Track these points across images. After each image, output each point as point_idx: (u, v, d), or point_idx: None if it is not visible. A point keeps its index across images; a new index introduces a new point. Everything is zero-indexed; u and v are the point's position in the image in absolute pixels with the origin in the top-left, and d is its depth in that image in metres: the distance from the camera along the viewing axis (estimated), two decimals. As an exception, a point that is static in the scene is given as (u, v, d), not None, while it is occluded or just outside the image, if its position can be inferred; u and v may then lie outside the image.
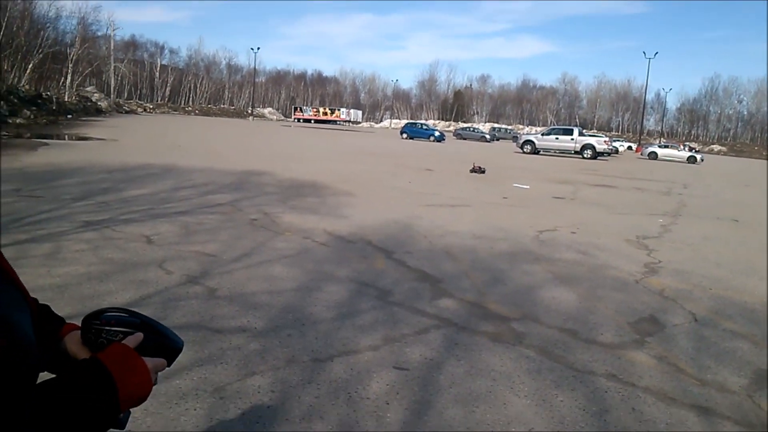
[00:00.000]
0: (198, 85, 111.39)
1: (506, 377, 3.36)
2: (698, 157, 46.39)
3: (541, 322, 4.37)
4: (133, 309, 0.91)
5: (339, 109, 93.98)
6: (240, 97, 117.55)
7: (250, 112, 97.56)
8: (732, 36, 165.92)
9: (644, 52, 75.50)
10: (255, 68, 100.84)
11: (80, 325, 0.89)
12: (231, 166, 14.25)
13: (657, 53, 70.65)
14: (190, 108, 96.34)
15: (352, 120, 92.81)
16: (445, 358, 3.56)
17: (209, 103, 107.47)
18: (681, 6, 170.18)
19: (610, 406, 3.13)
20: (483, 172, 17.85)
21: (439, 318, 4.28)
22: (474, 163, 18.88)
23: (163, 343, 0.89)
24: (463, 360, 3.56)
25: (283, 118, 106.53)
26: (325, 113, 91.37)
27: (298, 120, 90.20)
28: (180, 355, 0.92)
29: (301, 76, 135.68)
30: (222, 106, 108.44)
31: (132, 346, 0.83)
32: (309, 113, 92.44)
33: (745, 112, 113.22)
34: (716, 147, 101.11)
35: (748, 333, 4.53)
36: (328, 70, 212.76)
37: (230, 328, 3.79)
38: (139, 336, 0.85)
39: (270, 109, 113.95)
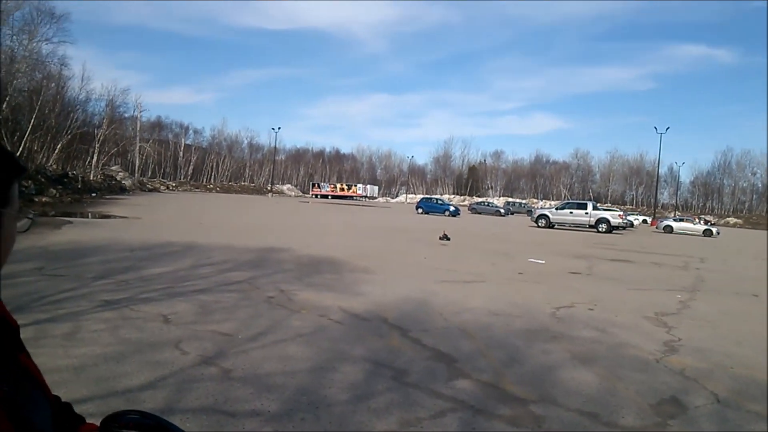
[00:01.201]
0: (220, 164, 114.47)
1: (525, 463, 3.28)
2: (714, 230, 46.06)
3: (560, 405, 4.29)
4: (150, 412, 0.94)
5: (356, 185, 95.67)
6: (260, 174, 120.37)
7: (269, 188, 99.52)
8: (742, 110, 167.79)
9: (656, 128, 76.21)
10: (275, 147, 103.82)
11: (99, 425, 0.94)
12: (250, 242, 14.44)
13: (668, 128, 71.29)
14: (211, 185, 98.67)
15: (368, 195, 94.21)
16: (461, 443, 3.49)
17: (230, 181, 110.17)
18: (690, 82, 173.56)
19: (633, 495, 3.03)
20: (449, 239, 19.67)
21: (455, 400, 4.22)
22: (444, 231, 20.93)
23: None
24: (480, 445, 3.49)
25: (301, 194, 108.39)
26: (342, 189, 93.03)
27: (316, 196, 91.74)
28: None
29: (320, 154, 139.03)
30: (242, 183, 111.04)
31: None
32: (326, 189, 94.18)
33: (760, 185, 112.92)
34: (732, 220, 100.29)
35: (775, 415, 4.39)
36: (346, 147, 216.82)
37: (244, 412, 3.77)
38: None
39: (289, 185, 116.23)
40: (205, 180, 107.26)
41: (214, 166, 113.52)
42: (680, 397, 4.68)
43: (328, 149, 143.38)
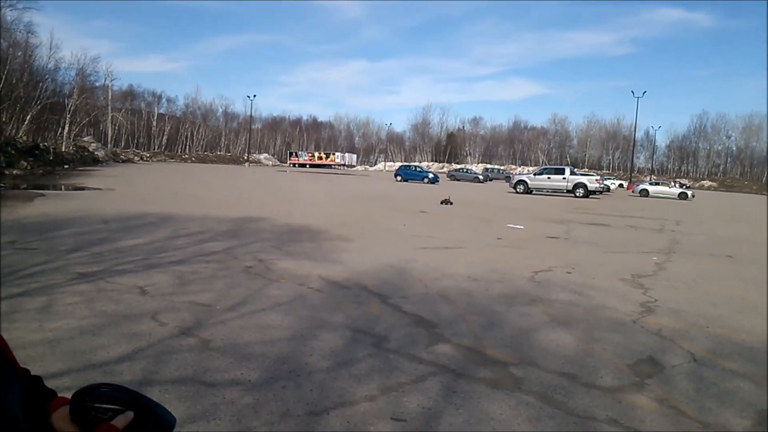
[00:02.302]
0: (195, 133, 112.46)
1: (506, 426, 3.31)
2: (689, 193, 46.86)
3: (540, 367, 4.33)
4: (124, 385, 0.89)
5: (334, 154, 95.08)
6: (236, 143, 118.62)
7: (246, 158, 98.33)
8: (718, 73, 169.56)
9: (633, 92, 77.09)
10: (251, 115, 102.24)
11: (70, 399, 0.88)
12: (227, 213, 14.28)
13: (645, 92, 72.62)
14: (186, 155, 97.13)
15: (346, 164, 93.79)
16: (443, 407, 3.51)
17: (206, 150, 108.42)
18: (667, 46, 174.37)
19: (611, 453, 3.07)
20: (451, 203, 21.18)
21: (436, 365, 4.24)
22: (449, 196, 22.57)
23: (155, 421, 0.87)
24: (461, 408, 3.51)
25: (278, 163, 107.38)
26: (320, 158, 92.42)
27: (294, 165, 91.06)
28: (172, 412, 0.90)
29: (297, 122, 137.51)
30: (218, 152, 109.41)
31: (121, 426, 0.82)
32: (304, 158, 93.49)
33: (734, 148, 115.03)
34: (706, 183, 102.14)
35: (748, 372, 4.49)
36: (323, 116, 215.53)
37: (224, 382, 3.74)
38: (129, 415, 0.84)
39: (266, 154, 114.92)
40: (179, 150, 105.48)
41: (189, 136, 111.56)
42: (657, 356, 4.75)
43: (305, 117, 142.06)
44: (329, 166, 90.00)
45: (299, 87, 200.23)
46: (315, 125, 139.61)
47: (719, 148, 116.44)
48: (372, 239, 10.98)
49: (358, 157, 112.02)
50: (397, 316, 5.53)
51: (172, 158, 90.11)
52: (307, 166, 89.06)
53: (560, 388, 3.92)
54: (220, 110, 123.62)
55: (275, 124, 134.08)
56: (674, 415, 3.60)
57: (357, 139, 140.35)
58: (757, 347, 5.20)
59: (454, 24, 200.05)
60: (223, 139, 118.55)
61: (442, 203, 21.40)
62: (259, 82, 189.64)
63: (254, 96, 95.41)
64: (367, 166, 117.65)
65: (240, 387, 3.66)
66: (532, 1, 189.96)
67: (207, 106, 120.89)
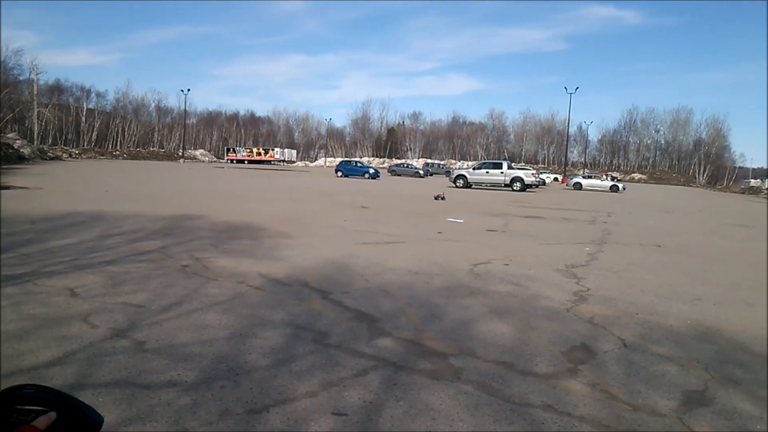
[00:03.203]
0: (126, 129, 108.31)
1: (445, 415, 3.37)
2: (620, 186, 48.86)
3: (478, 357, 4.42)
4: (47, 385, 0.86)
5: (273, 149, 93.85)
6: (170, 139, 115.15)
7: (181, 154, 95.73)
8: (647, 69, 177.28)
9: (566, 88, 79.46)
10: (185, 110, 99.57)
11: None
12: (161, 210, 13.87)
13: (578, 88, 75.01)
14: (118, 152, 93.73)
15: (286, 159, 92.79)
16: (384, 400, 3.53)
17: (138, 147, 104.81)
18: (599, 43, 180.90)
19: (546, 437, 3.17)
20: (444, 199, 23.36)
21: (377, 358, 4.26)
22: (442, 193, 25.26)
23: (80, 421, 0.85)
24: (402, 400, 3.54)
25: (215, 159, 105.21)
26: (258, 153, 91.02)
27: (232, 161, 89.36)
28: (106, 416, 0.87)
29: (234, 117, 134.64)
30: (152, 149, 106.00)
31: (43, 427, 0.79)
32: (242, 154, 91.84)
33: (663, 141, 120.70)
34: (637, 175, 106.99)
35: (675, 356, 4.72)
36: (262, 110, 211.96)
37: (159, 383, 3.64)
38: (51, 415, 0.81)
39: (202, 150, 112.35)
40: (110, 146, 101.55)
41: (120, 131, 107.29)
42: (589, 343, 4.94)
43: (242, 112, 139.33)
44: (268, 162, 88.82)
45: (236, 81, 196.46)
46: (253, 120, 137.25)
47: (648, 141, 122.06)
48: (313, 235, 10.91)
49: (298, 153, 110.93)
50: (338, 312, 5.52)
51: (102, 155, 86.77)
52: (246, 162, 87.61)
53: (498, 377, 4.02)
54: (153, 105, 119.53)
55: (211, 119, 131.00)
56: (606, 398, 3.75)
57: (296, 134, 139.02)
58: (683, 332, 5.48)
59: (394, 19, 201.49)
60: (156, 135, 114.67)
61: (436, 198, 23.65)
62: (194, 76, 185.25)
63: (188, 90, 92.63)
64: (307, 162, 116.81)
65: (177, 388, 3.57)
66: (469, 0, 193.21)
67: (139, 101, 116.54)
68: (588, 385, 3.96)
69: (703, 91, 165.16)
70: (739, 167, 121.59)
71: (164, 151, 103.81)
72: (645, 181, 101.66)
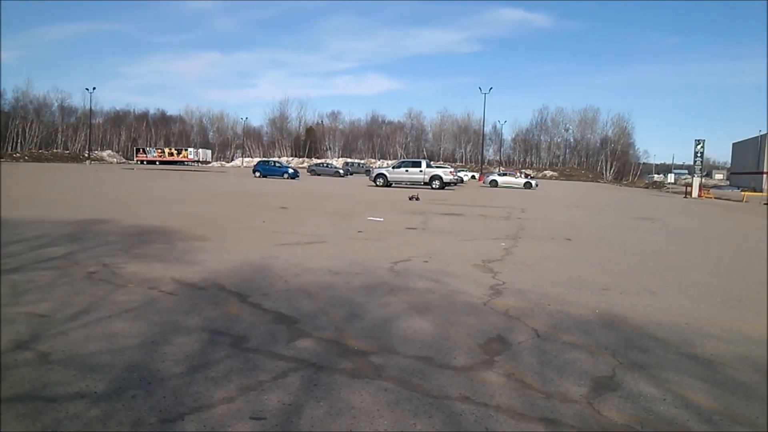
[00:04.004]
0: (27, 129, 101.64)
1: (366, 413, 3.36)
2: (533, 182, 50.88)
3: (398, 353, 4.45)
4: None
5: (186, 149, 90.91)
6: (75, 140, 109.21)
7: (87, 155, 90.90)
8: (555, 71, 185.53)
9: (480, 88, 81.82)
10: (91, 109, 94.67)
11: None
12: (67, 215, 13.09)
13: (491, 88, 77.13)
14: (18, 154, 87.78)
15: (201, 160, 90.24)
16: (304, 402, 3.48)
17: (40, 148, 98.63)
18: (510, 45, 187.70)
19: (465, 428, 3.23)
20: (418, 199, 24.20)
21: (297, 360, 4.20)
22: (417, 194, 26.22)
23: None
24: (322, 401, 3.50)
25: (124, 160, 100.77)
26: (171, 154, 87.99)
27: (142, 162, 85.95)
28: None
29: (143, 116, 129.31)
30: (55, 150, 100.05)
31: None
32: (153, 154, 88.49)
33: (572, 140, 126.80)
34: (549, 172, 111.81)
35: (584, 344, 4.94)
36: (173, 109, 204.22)
37: (66, 395, 3.42)
38: None
39: (109, 151, 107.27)
40: (9, 148, 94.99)
41: (20, 133, 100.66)
42: (505, 335, 5.09)
43: (152, 111, 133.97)
44: (182, 162, 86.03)
45: (145, 79, 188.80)
46: (164, 119, 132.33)
47: (558, 140, 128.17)
48: (230, 237, 10.64)
49: (213, 153, 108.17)
50: (256, 315, 5.40)
51: (0, 157, 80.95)
52: (157, 162, 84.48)
53: (417, 372, 4.06)
54: (56, 104, 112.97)
55: (119, 119, 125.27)
56: (520, 387, 3.87)
57: (211, 134, 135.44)
58: (592, 320, 5.74)
59: (310, 18, 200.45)
60: (60, 136, 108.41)
61: (410, 199, 24.27)
62: (100, 74, 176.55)
63: (94, 89, 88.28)
64: (223, 163, 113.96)
65: (85, 400, 3.37)
66: (384, 0, 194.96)
67: (40, 100, 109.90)
68: (504, 376, 4.07)
69: (609, 91, 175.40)
70: (643, 163, 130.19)
71: (69, 153, 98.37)
72: (556, 178, 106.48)
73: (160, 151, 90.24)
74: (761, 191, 56.04)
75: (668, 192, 64.40)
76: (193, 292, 6.21)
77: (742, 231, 18.36)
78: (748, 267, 9.98)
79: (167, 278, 6.80)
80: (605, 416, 3.48)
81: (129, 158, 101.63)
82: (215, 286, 6.53)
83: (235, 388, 3.64)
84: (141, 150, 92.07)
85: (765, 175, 72.04)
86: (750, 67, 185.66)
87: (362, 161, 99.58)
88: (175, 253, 8.67)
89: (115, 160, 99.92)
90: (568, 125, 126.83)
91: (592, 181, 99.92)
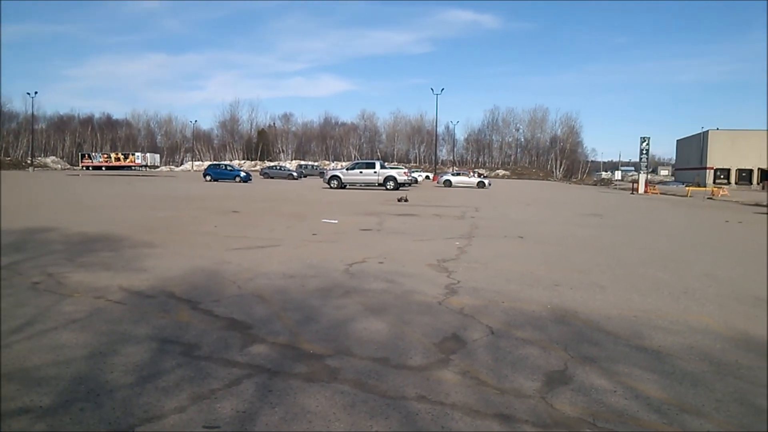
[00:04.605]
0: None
1: (322, 417, 3.33)
2: (486, 182, 51.55)
3: (354, 355, 4.43)
4: None
5: (133, 154, 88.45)
6: (17, 146, 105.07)
7: (30, 162, 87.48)
8: (505, 71, 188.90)
9: (432, 89, 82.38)
10: (33, 114, 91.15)
11: None
12: (8, 224, 12.55)
13: (443, 89, 77.64)
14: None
15: (149, 164, 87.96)
16: (258, 408, 3.42)
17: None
18: (461, 46, 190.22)
19: (421, 427, 3.24)
20: (407, 201, 24.75)
21: (250, 366, 4.13)
22: (405, 195, 26.97)
23: None
24: (277, 407, 3.45)
25: (69, 166, 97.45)
26: (117, 159, 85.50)
27: (88, 168, 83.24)
28: None
29: (88, 120, 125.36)
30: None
31: None
32: (99, 160, 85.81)
33: (522, 139, 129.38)
34: (501, 171, 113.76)
35: (537, 339, 5.03)
36: (119, 113, 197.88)
37: (10, 411, 3.27)
38: None
39: (53, 157, 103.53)
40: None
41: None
42: (460, 333, 5.13)
43: (98, 115, 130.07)
44: (129, 167, 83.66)
45: (90, 82, 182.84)
46: (110, 124, 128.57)
47: (510, 140, 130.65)
48: (180, 243, 10.40)
49: (161, 157, 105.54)
50: (208, 322, 5.29)
51: (-67, 165, 77.08)
52: (103, 168, 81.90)
53: (373, 373, 4.05)
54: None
55: (63, 124, 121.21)
56: (475, 385, 3.91)
57: (159, 137, 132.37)
58: (544, 316, 5.85)
59: (260, 19, 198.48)
60: (0, 142, 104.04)
61: (399, 200, 24.89)
62: (42, 78, 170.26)
63: (36, 93, 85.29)
64: (172, 167, 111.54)
65: (30, 414, 3.24)
66: (335, 0, 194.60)
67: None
68: (459, 374, 4.11)
69: (557, 91, 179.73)
70: (591, 161, 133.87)
71: (10, 160, 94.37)
72: (508, 177, 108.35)
73: (106, 156, 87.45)
74: (705, 186, 58.44)
75: (616, 189, 66.37)
76: (142, 301, 6.04)
77: (687, 225, 19.06)
78: (693, 260, 10.36)
79: (115, 287, 6.59)
80: (558, 410, 3.55)
81: (74, 164, 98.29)
82: (165, 293, 6.37)
83: (186, 397, 3.56)
84: (86, 155, 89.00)
85: (708, 171, 75.23)
86: (692, 65, 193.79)
87: (316, 163, 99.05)
88: (123, 260, 8.42)
89: (59, 166, 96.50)
90: (518, 125, 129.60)
91: (543, 179, 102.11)
